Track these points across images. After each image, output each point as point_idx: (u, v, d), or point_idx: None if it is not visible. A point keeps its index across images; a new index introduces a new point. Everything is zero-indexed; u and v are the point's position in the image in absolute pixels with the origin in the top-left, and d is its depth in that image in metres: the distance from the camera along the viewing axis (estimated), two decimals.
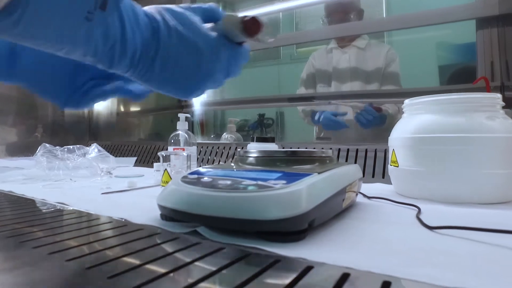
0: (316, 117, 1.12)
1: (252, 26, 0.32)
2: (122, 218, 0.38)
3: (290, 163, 0.40)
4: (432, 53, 1.15)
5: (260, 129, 1.58)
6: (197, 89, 0.34)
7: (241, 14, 0.33)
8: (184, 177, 0.37)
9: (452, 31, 1.04)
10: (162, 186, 0.60)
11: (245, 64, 0.36)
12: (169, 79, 0.32)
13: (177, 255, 0.26)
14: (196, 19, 0.33)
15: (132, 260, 0.24)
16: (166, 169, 0.58)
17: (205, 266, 0.24)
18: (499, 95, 0.52)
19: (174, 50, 0.31)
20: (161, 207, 0.35)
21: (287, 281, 0.21)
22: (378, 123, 1.04)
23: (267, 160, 0.41)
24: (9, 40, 0.23)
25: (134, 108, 1.72)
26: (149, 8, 0.31)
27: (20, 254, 0.25)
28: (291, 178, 0.32)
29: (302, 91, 1.25)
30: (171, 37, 0.30)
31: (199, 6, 0.34)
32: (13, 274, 0.21)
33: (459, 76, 1.03)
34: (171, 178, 0.57)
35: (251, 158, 0.42)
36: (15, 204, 0.47)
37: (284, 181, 0.31)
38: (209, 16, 0.35)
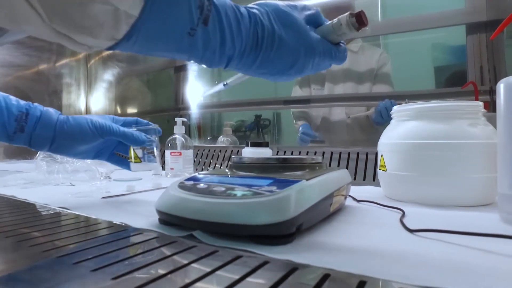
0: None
1: (363, 18, 0.36)
2: (122, 222, 0.40)
3: (281, 169, 0.42)
4: (428, 54, 1.17)
5: (256, 130, 1.60)
6: (286, 79, 0.38)
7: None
8: (181, 183, 0.39)
9: (448, 33, 1.06)
10: (135, 162, 0.59)
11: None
12: (264, 74, 0.36)
13: (175, 257, 0.28)
14: (301, 20, 0.36)
15: (134, 262, 0.26)
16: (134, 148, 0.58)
17: (201, 268, 0.26)
18: (480, 103, 0.54)
19: (273, 53, 0.34)
20: (159, 212, 0.37)
21: (273, 281, 0.23)
22: None
23: (259, 167, 0.43)
24: (129, 52, 0.29)
25: (131, 110, 1.73)
26: (257, 5, 0.34)
27: (32, 257, 0.28)
28: (281, 184, 0.34)
29: (297, 89, 1.27)
30: (273, 43, 0.33)
31: (304, 6, 0.37)
32: (26, 276, 0.24)
33: (455, 77, 1.04)
34: (137, 156, 0.58)
35: (244, 165, 0.45)
36: (19, 208, 0.49)
37: (274, 187, 0.33)
38: (312, 20, 0.37)
